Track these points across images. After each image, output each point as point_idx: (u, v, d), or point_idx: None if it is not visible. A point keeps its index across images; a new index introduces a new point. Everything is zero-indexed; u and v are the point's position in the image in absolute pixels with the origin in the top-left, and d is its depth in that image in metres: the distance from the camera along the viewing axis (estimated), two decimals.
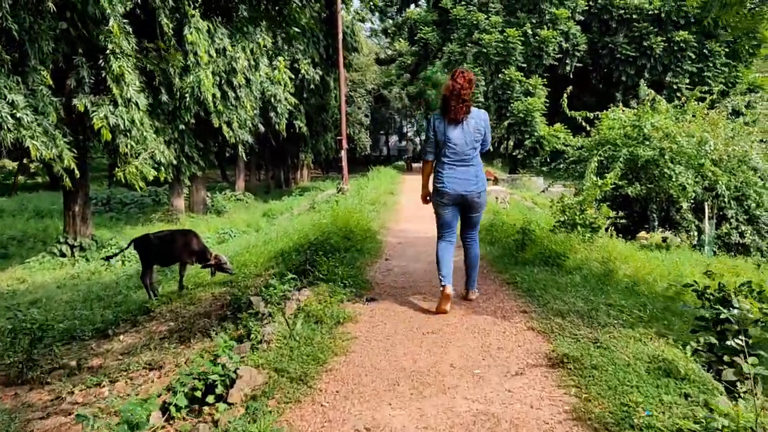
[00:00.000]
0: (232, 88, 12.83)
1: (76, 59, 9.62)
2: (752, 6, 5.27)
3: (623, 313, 4.22)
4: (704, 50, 24.55)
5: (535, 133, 23.11)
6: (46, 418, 4.55)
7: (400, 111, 49.74)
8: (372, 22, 32.92)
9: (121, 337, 6.43)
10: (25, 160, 28.98)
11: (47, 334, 6.66)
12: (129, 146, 9.96)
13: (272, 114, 16.86)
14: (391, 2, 31.44)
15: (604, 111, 12.48)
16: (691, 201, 10.97)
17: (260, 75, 14.01)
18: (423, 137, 5.04)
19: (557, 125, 18.43)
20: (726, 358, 3.43)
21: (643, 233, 12.69)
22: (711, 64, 24.56)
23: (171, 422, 3.01)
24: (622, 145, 11.08)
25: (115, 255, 10.45)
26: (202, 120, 12.65)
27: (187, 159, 13.59)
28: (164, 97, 11.22)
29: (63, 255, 12.76)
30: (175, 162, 12.16)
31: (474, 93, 4.73)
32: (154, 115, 11.34)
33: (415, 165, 29.85)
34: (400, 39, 32.63)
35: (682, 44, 24.30)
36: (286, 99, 16.40)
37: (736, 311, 3.29)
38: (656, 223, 11.69)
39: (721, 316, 3.28)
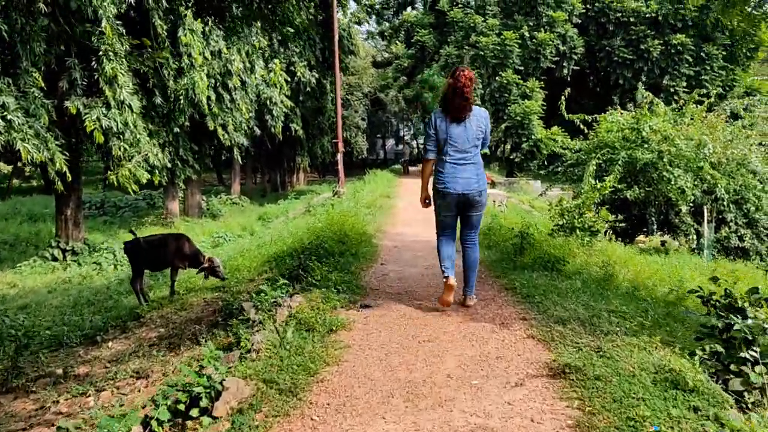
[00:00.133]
0: (228, 91, 12.67)
1: (69, 61, 9.47)
2: (754, 4, 5.17)
3: (625, 320, 4.10)
4: (701, 53, 24.49)
5: (533, 136, 23.02)
6: (29, 429, 4.41)
7: (397, 114, 49.69)
8: (368, 23, 32.74)
9: (110, 343, 6.28)
10: (19, 164, 28.78)
11: (34, 340, 6.55)
12: (122, 149, 9.78)
13: (268, 117, 16.69)
14: (388, 5, 31.37)
15: (602, 114, 12.39)
16: (690, 204, 10.88)
17: (256, 77, 13.84)
18: (422, 138, 5.00)
19: (554, 128, 18.31)
20: (733, 367, 3.30)
21: (641, 237, 12.59)
22: (708, 68, 24.50)
23: None
24: (620, 148, 10.98)
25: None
26: (197, 123, 12.49)
27: (182, 162, 13.43)
28: (158, 100, 11.05)
29: (55, 259, 12.59)
30: (169, 165, 11.99)
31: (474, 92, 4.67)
32: (148, 117, 11.18)
33: (411, 168, 29.77)
34: (397, 42, 32.61)
35: (679, 47, 24.24)
36: (282, 102, 16.21)
37: (750, 321, 3.15)
38: (655, 227, 11.60)
39: (735, 327, 3.14)
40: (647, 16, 24.91)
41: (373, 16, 32.34)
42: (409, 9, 31.58)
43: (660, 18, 24.74)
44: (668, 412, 2.61)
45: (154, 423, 2.77)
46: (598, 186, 8.38)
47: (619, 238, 9.87)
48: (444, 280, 4.55)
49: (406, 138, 54.13)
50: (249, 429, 2.75)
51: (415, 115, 39.54)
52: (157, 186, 18.59)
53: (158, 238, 7.45)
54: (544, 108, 23.88)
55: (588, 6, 26.08)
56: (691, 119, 11.90)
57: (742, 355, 3.23)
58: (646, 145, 10.83)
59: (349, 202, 13.37)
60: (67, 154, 9.20)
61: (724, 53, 24.52)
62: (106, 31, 8.70)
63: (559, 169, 13.19)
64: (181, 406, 2.89)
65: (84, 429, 3.71)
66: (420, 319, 4.43)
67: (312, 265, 5.77)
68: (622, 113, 12.25)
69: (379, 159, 53.67)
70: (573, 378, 3.10)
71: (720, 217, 11.60)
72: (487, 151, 5.18)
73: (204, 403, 2.95)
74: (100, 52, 9.01)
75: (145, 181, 10.53)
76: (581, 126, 12.30)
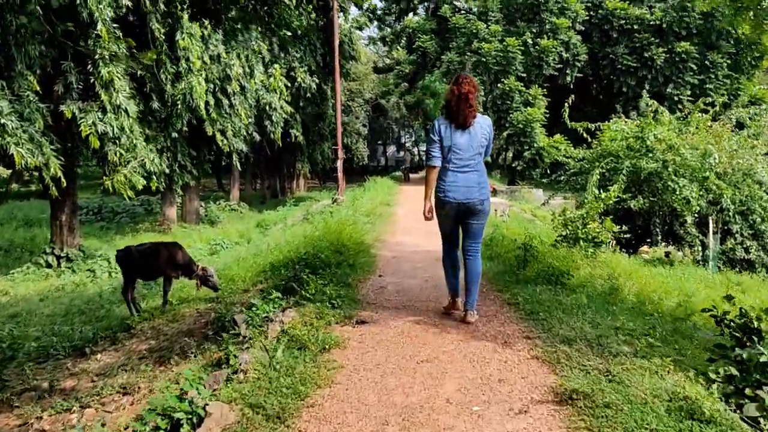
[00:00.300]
0: (227, 96, 12.53)
1: (65, 64, 9.34)
2: (766, 5, 4.99)
3: (633, 338, 3.90)
4: (706, 62, 24.27)
5: (535, 144, 22.78)
6: None
7: (398, 121, 49.51)
8: (369, 28, 32.62)
9: (99, 355, 6.09)
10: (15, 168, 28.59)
11: (20, 351, 6.35)
12: (118, 154, 9.61)
13: (267, 122, 16.56)
14: (390, 10, 31.24)
15: (606, 122, 12.21)
16: (696, 215, 10.69)
17: (255, 82, 13.69)
18: (425, 145, 5.01)
19: (557, 136, 18.12)
20: (748, 391, 3.11)
21: (644, 247, 12.38)
22: (713, 76, 24.26)
23: None
24: (624, 157, 10.80)
25: None
26: (196, 128, 12.34)
27: (180, 168, 13.27)
28: (156, 104, 10.91)
29: (49, 266, 12.39)
30: (167, 171, 11.83)
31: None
32: (145, 122, 11.01)
33: (412, 175, 29.55)
34: (399, 47, 32.47)
35: (683, 55, 24.03)
36: (281, 107, 16.07)
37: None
38: (659, 238, 11.39)
39: (762, 360, 2.95)
40: (651, 23, 24.72)
41: (375, 22, 32.25)
42: (410, 15, 31.43)
43: (664, 26, 24.54)
44: None
45: None
46: (603, 196, 8.19)
47: (623, 249, 9.67)
48: (452, 302, 4.82)
49: (407, 145, 53.94)
50: None
51: (417, 122, 39.32)
52: (155, 192, 18.46)
53: (150, 247, 7.25)
54: (547, 116, 23.66)
55: (592, 13, 25.88)
56: (696, 128, 11.71)
57: (757, 377, 3.07)
58: (650, 154, 10.65)
59: (348, 210, 13.17)
60: (62, 159, 9.01)
61: (728, 62, 24.30)
62: (102, 34, 8.57)
63: (562, 177, 13.02)
64: None
65: None
66: (418, 337, 4.23)
67: (306, 278, 5.56)
68: (626, 122, 12.08)
69: (380, 166, 53.48)
70: (581, 405, 2.91)
71: (725, 228, 11.40)
72: (489, 159, 5.07)
73: (185, 429, 2.77)
74: (96, 56, 8.88)
75: (141, 187, 10.33)
76: (584, 134, 12.13)
